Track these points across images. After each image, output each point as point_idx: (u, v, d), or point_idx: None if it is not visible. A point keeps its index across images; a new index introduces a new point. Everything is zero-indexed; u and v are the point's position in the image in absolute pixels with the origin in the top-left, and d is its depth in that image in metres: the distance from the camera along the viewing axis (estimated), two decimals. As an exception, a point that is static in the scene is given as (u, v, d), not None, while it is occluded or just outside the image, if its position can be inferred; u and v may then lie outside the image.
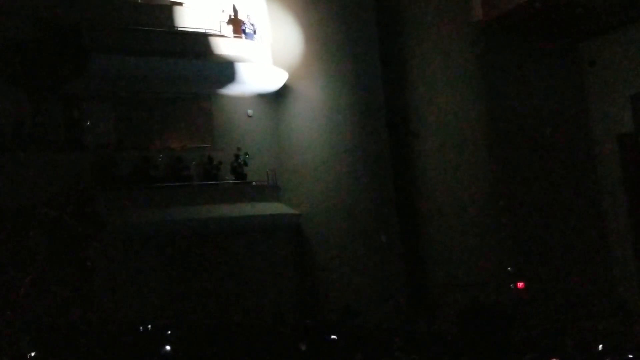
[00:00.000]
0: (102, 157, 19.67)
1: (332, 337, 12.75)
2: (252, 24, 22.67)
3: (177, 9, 21.79)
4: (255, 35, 22.64)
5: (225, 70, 21.64)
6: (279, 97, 22.95)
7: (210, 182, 21.22)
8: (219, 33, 21.97)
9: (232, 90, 22.12)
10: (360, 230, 21.72)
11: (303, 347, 10.33)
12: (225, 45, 21.78)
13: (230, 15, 22.48)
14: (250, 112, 22.71)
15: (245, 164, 21.69)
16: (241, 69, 21.77)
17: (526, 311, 21.26)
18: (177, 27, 21.55)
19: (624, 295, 22.41)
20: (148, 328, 13.89)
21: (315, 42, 22.54)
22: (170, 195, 20.17)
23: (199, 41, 21.41)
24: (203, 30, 21.63)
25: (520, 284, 21.57)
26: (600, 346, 14.00)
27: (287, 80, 22.67)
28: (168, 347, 10.86)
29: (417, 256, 22.99)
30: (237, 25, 22.44)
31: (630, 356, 12.01)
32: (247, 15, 22.71)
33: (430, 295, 22.66)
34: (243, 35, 22.44)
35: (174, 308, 19.29)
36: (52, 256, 14.83)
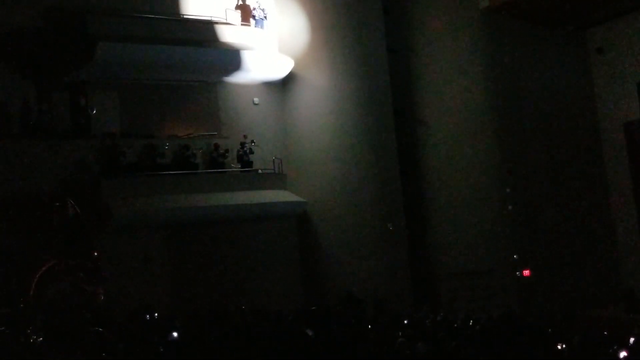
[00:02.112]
0: (108, 145, 19.67)
1: (336, 324, 12.78)
2: (262, 10, 22.61)
3: (183, -4, 21.77)
4: (265, 21, 22.57)
5: (231, 58, 21.61)
6: (285, 84, 22.92)
7: (216, 170, 21.22)
8: (224, 21, 21.93)
9: (238, 78, 22.08)
10: (367, 218, 21.71)
11: (310, 333, 10.35)
12: (231, 33, 21.73)
13: (238, 1, 22.42)
14: (256, 100, 22.69)
15: (252, 151, 21.69)
16: (247, 57, 21.74)
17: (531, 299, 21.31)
18: (183, 14, 21.53)
19: (631, 284, 22.42)
20: (155, 316, 13.93)
21: (321, 29, 22.47)
22: (176, 183, 20.16)
23: (205, 29, 21.36)
24: (209, 18, 21.59)
25: (526, 272, 21.58)
26: (606, 333, 14.02)
27: (293, 68, 22.63)
28: (175, 334, 10.91)
29: (423, 244, 22.99)
30: (246, 11, 22.37)
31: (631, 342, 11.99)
32: (257, 1, 22.66)
33: (436, 283, 22.68)
34: (253, 21, 22.38)
35: (181, 295, 19.36)
36: (59, 244, 14.88)
